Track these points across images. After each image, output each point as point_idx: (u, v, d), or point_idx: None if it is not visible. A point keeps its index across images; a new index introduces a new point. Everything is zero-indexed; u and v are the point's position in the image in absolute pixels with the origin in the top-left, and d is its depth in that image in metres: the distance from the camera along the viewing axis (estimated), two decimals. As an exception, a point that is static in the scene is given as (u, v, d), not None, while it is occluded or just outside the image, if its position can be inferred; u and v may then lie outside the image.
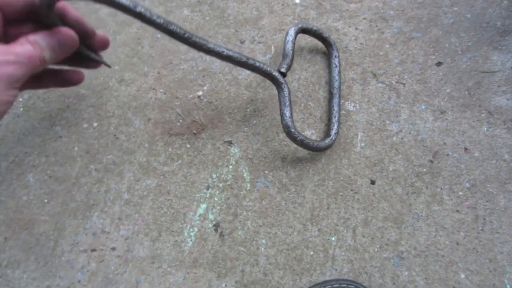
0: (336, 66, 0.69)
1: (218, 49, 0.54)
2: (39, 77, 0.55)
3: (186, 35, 0.51)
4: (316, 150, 0.63)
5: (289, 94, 0.60)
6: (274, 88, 0.71)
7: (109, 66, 0.63)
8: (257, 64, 0.59)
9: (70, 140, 0.69)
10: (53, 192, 0.66)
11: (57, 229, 0.64)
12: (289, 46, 0.65)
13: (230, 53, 0.56)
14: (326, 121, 0.69)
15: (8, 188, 0.66)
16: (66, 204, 0.65)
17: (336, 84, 0.68)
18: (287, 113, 0.59)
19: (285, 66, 0.63)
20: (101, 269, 0.61)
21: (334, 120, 0.66)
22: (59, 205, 0.65)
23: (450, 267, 0.60)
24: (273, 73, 0.60)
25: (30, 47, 0.41)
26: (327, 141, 0.64)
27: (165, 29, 0.50)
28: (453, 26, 0.75)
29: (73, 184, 0.66)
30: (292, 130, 0.59)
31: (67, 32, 0.45)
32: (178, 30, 0.50)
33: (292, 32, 0.66)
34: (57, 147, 0.69)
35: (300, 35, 0.72)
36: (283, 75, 0.62)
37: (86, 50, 0.61)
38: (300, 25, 0.68)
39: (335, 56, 0.70)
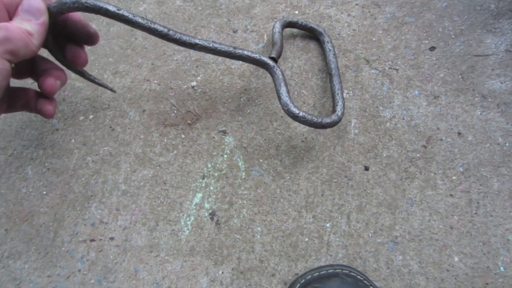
0: (330, 50, 0.69)
1: (203, 43, 0.54)
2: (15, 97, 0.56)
3: (170, 32, 0.51)
4: (320, 127, 0.59)
5: (283, 75, 0.59)
6: (268, 76, 0.71)
7: (114, 91, 0.65)
8: (245, 53, 0.59)
9: (66, 132, 0.70)
10: (52, 184, 0.67)
11: (57, 220, 0.65)
12: (276, 35, 0.65)
13: (216, 45, 0.56)
14: (320, 108, 0.69)
15: (7, 181, 0.67)
16: (64, 196, 0.66)
17: (333, 65, 0.68)
18: (284, 92, 0.58)
19: (274, 52, 0.63)
20: (100, 259, 0.62)
21: (338, 97, 0.64)
22: (58, 196, 0.66)
23: (444, 251, 0.61)
24: (263, 58, 0.60)
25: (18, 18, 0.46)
26: (334, 117, 0.59)
27: (147, 28, 0.50)
28: (446, 9, 0.75)
29: (71, 176, 0.67)
30: (292, 107, 0.57)
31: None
32: (160, 28, 0.50)
33: (277, 26, 0.67)
34: (54, 140, 0.70)
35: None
36: (274, 60, 0.62)
37: (89, 75, 0.62)
38: (285, 19, 0.68)
39: (327, 42, 0.70)
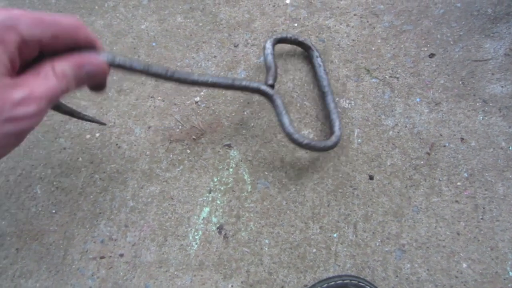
0: (320, 66, 0.70)
1: (202, 79, 0.54)
2: None
3: (168, 74, 0.51)
4: (324, 150, 0.61)
5: (283, 102, 0.61)
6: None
7: (104, 124, 0.64)
8: (244, 83, 0.59)
9: (74, 151, 0.71)
10: (61, 202, 0.68)
11: (66, 238, 0.66)
12: (269, 58, 0.66)
13: (215, 79, 0.56)
14: (323, 119, 0.70)
15: (17, 201, 0.68)
16: (73, 214, 0.67)
17: (325, 82, 0.68)
18: (286, 122, 0.59)
19: (271, 78, 0.63)
20: (111, 276, 0.63)
21: (334, 116, 0.65)
22: (67, 215, 0.67)
23: (451, 258, 0.61)
24: (261, 88, 0.60)
25: (54, 81, 0.32)
26: (333, 138, 0.62)
27: (146, 72, 0.50)
28: (444, 16, 0.76)
29: (79, 194, 0.68)
30: (296, 136, 0.59)
31: (100, 63, 0.37)
32: (160, 70, 0.50)
33: (268, 45, 0.67)
34: (62, 159, 0.71)
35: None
36: (272, 87, 0.62)
37: (78, 113, 0.60)
38: (274, 37, 0.68)
39: (316, 56, 0.70)
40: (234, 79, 0.58)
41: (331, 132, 0.64)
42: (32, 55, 0.34)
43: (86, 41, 0.38)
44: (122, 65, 0.47)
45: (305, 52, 0.74)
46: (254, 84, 0.60)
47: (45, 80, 0.32)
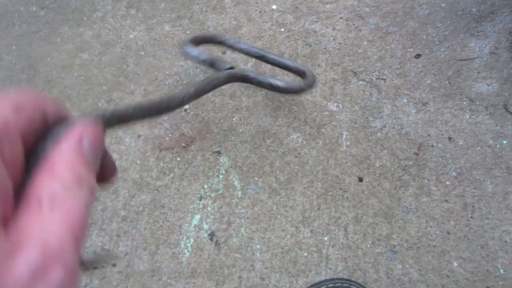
0: (237, 42, 0.67)
1: (188, 93, 0.53)
2: None
3: (182, 99, 0.51)
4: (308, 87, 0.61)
5: (256, 73, 0.60)
6: (259, 94, 0.72)
7: (115, 261, 0.64)
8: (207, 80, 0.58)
9: (65, 163, 0.71)
10: (53, 215, 0.68)
11: (59, 251, 0.66)
12: (200, 55, 0.64)
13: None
14: (312, 123, 0.71)
15: (9, 215, 0.68)
16: (65, 226, 0.67)
17: (253, 49, 0.66)
18: (272, 80, 0.59)
19: (223, 64, 0.62)
20: (104, 286, 0.63)
21: (288, 62, 0.64)
22: (59, 227, 0.67)
23: (442, 257, 0.61)
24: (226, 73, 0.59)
25: (71, 201, 0.17)
26: (308, 74, 0.62)
27: (142, 114, 0.48)
28: (429, 17, 0.76)
29: (71, 206, 0.68)
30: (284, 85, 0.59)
31: (93, 130, 0.21)
32: (170, 103, 0.49)
33: (189, 49, 0.65)
34: (53, 171, 0.71)
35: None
36: (231, 68, 0.60)
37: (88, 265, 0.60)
38: (188, 40, 0.67)
39: (230, 43, 0.68)
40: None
41: (302, 73, 0.63)
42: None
43: (56, 116, 0.22)
44: (115, 114, 0.42)
45: (221, 45, 0.71)
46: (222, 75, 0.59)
47: (59, 207, 0.17)
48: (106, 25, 0.83)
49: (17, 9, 0.89)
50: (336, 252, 0.62)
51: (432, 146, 0.67)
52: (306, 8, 0.79)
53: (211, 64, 0.63)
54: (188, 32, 0.80)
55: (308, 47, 0.76)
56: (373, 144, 0.68)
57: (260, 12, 0.79)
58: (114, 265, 0.64)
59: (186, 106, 0.73)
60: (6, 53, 0.83)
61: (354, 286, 0.57)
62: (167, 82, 0.76)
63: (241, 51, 0.66)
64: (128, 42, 0.81)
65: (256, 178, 0.68)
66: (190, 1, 0.83)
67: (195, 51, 0.65)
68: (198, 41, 0.68)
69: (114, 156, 0.71)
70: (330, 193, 0.66)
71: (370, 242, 0.63)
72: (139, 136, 0.72)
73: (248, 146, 0.69)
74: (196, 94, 0.56)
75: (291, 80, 0.67)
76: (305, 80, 0.61)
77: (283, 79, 0.72)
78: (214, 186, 0.68)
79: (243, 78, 0.59)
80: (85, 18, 0.85)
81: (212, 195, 0.67)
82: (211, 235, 0.65)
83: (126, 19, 0.83)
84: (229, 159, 0.69)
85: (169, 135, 0.71)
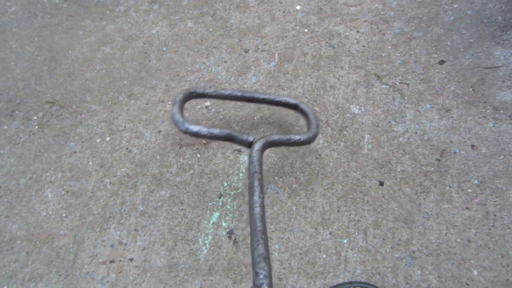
0: None
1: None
2: None
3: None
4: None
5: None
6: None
7: None
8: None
9: (84, 155, 0.72)
10: (71, 206, 0.68)
11: (76, 242, 0.66)
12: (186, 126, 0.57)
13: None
14: (334, 125, 0.70)
15: (27, 204, 0.69)
16: (83, 218, 0.67)
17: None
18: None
19: (247, 136, 0.58)
20: (121, 280, 0.63)
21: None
22: (77, 219, 0.67)
23: (462, 265, 0.61)
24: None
25: None
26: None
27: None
28: (454, 23, 0.76)
29: (89, 198, 0.68)
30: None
31: None
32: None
33: (176, 110, 0.59)
34: (72, 163, 0.71)
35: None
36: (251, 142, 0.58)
37: None
38: (178, 98, 0.61)
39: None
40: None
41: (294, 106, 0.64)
42: None
43: None
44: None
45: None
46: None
47: None
48: (128, 19, 0.83)
49: (40, 0, 0.89)
50: (355, 255, 0.62)
51: (455, 153, 0.67)
52: (330, 10, 0.78)
53: (228, 138, 0.57)
54: (211, 29, 0.80)
55: (332, 48, 0.76)
56: (394, 149, 0.68)
57: (284, 12, 0.79)
58: (131, 259, 0.64)
59: (207, 103, 0.73)
60: (28, 44, 0.84)
61: (374, 290, 0.57)
62: (189, 79, 0.76)
63: (226, 98, 0.62)
64: (151, 37, 0.81)
65: (276, 178, 0.67)
66: (214, -1, 0.83)
67: (195, 127, 0.56)
68: (185, 102, 0.62)
69: (134, 151, 0.71)
70: (350, 196, 0.65)
71: (389, 246, 0.62)
72: (159, 132, 0.72)
73: (269, 146, 0.69)
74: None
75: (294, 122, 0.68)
76: (310, 125, 0.61)
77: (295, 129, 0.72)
78: (234, 184, 0.67)
79: (271, 144, 0.56)
80: (107, 12, 0.85)
81: (232, 193, 0.67)
82: (230, 233, 0.65)
83: (149, 14, 0.83)
84: (250, 158, 0.69)
85: (190, 131, 0.71)
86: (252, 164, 0.52)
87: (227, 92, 0.62)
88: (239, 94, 0.63)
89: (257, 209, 0.48)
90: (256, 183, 0.50)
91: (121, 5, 0.85)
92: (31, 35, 0.86)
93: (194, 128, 0.56)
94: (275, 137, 0.57)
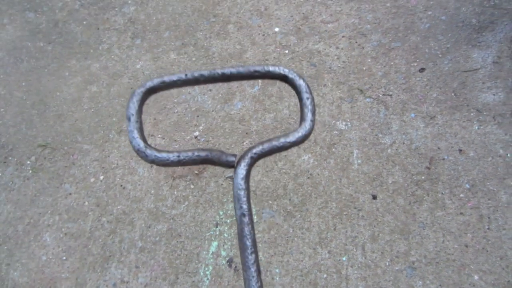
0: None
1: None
2: None
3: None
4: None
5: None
6: (266, 118, 0.73)
7: None
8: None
9: (79, 195, 0.72)
10: (70, 248, 0.69)
11: (79, 285, 0.66)
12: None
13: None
14: (322, 143, 0.71)
15: (27, 250, 0.69)
16: (84, 259, 0.68)
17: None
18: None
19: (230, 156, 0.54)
20: (126, 319, 0.63)
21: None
22: (78, 260, 0.68)
23: (462, 271, 0.61)
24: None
25: None
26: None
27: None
28: (430, 30, 0.77)
29: (88, 238, 0.69)
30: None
31: None
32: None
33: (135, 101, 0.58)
34: (69, 204, 0.72)
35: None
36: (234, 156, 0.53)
37: None
38: (136, 96, 0.59)
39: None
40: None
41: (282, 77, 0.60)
42: None
43: None
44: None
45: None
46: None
47: None
48: (112, 56, 0.85)
49: (25, 45, 0.91)
50: (356, 272, 0.62)
51: (443, 159, 0.68)
52: (308, 29, 0.80)
53: (209, 161, 0.48)
54: (193, 59, 0.81)
55: (313, 67, 0.77)
56: (384, 161, 0.69)
57: (264, 35, 0.81)
58: (135, 297, 0.64)
59: (196, 133, 0.74)
60: (16, 89, 0.85)
61: (377, 306, 0.57)
62: (176, 110, 0.77)
63: (190, 83, 0.56)
64: (135, 72, 0.82)
65: (270, 202, 0.68)
66: (194, 28, 0.84)
67: (162, 154, 0.44)
68: (145, 98, 0.55)
69: (129, 187, 0.72)
70: (345, 213, 0.66)
71: (388, 259, 0.63)
72: (151, 166, 0.73)
73: (260, 170, 0.70)
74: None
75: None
76: (303, 114, 0.59)
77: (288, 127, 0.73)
78: (229, 212, 0.68)
79: (258, 158, 0.53)
80: (91, 51, 0.87)
81: (228, 221, 0.67)
82: (230, 261, 0.65)
83: (132, 49, 0.84)
84: (242, 183, 0.70)
85: (181, 162, 0.72)
86: (238, 202, 0.36)
87: (196, 74, 0.49)
88: (205, 74, 0.56)
89: (253, 269, 0.35)
90: (246, 230, 0.36)
91: (104, 42, 0.87)
92: (19, 80, 0.87)
93: (162, 155, 0.46)
94: (258, 149, 0.49)
